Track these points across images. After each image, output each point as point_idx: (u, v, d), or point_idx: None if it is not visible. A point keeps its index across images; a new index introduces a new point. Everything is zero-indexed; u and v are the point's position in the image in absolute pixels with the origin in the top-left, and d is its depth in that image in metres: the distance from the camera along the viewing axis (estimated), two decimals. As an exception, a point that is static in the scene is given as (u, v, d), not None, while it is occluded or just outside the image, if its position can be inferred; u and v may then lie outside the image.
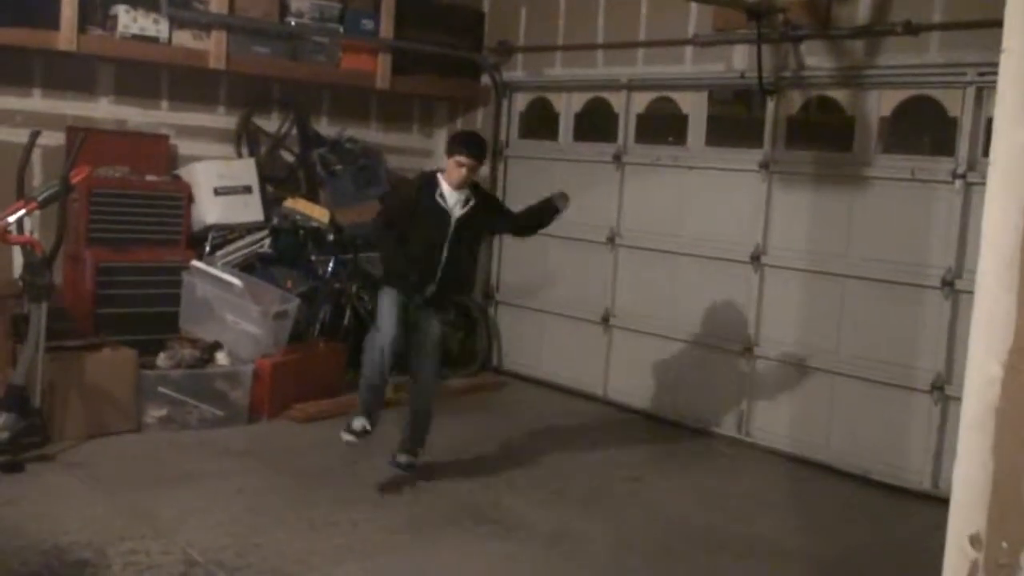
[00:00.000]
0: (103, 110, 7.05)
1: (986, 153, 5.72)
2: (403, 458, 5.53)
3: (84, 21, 6.39)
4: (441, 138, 8.48)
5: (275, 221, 7.25)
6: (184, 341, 6.47)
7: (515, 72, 8.31)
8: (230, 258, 6.95)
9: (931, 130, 6.11)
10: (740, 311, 6.81)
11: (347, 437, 5.30)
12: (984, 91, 5.62)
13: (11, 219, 5.40)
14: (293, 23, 7.32)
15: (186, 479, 5.31)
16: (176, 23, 6.78)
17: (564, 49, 7.92)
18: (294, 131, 7.83)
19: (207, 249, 6.94)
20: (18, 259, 5.89)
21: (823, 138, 6.66)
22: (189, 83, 7.32)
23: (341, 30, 7.56)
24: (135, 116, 7.18)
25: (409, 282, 5.34)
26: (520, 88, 8.38)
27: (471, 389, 7.78)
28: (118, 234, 6.58)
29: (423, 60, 8.00)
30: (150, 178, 6.85)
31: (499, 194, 8.19)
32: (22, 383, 5.36)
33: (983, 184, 5.05)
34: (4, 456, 5.23)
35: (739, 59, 6.78)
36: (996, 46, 1.73)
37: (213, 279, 6.50)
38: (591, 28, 7.71)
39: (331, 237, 7.26)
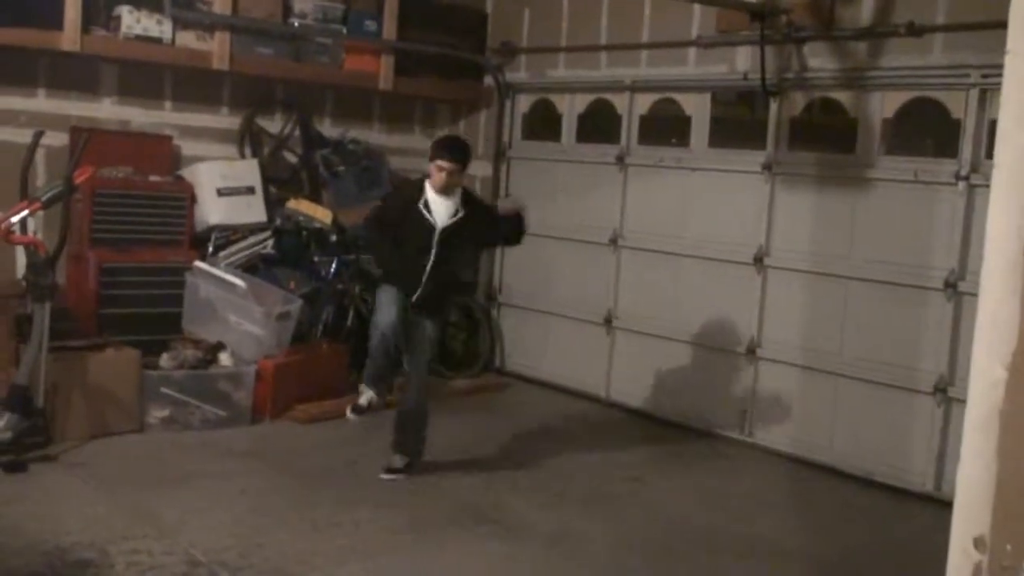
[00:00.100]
0: (107, 110, 7.05)
1: (989, 155, 5.71)
2: (396, 460, 5.56)
3: (88, 22, 6.40)
4: (444, 139, 8.48)
5: (278, 222, 7.25)
6: (187, 342, 6.47)
7: (518, 73, 8.31)
8: (233, 259, 6.95)
9: (934, 132, 6.10)
10: (743, 313, 6.81)
11: (353, 416, 5.60)
12: (987, 93, 5.61)
13: (15, 219, 5.41)
14: (296, 24, 7.32)
15: (189, 479, 5.31)
16: (179, 24, 6.78)
17: (567, 50, 7.91)
18: (297, 132, 7.82)
19: (210, 250, 6.95)
20: (21, 259, 5.89)
21: (826, 140, 6.65)
22: (192, 84, 7.32)
23: (344, 31, 7.56)
24: (138, 117, 7.18)
25: (404, 281, 5.46)
26: (523, 89, 8.37)
27: (474, 390, 7.79)
28: (121, 234, 6.58)
29: (426, 61, 7.99)
30: (153, 179, 6.85)
31: (502, 195, 8.20)
32: (25, 383, 5.36)
33: (986, 186, 5.00)
34: (7, 456, 5.23)
35: (742, 60, 6.77)
36: (1000, 48, 1.73)
37: (216, 280, 6.50)
38: (594, 29, 7.70)
39: (334, 238, 7.27)
